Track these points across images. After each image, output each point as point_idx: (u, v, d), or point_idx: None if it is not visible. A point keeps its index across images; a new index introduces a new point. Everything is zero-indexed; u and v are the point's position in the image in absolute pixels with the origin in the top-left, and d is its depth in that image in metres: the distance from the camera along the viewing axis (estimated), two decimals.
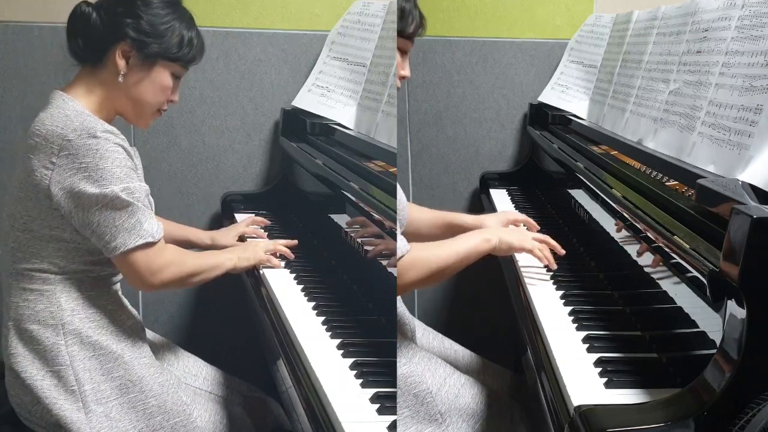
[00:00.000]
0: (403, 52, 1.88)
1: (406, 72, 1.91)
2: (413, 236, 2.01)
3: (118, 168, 1.61)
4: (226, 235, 2.20)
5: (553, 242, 1.85)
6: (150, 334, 1.98)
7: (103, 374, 1.66)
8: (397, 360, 1.76)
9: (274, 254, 1.96)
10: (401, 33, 1.85)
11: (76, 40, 1.71)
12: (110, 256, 1.64)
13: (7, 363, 1.68)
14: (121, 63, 1.68)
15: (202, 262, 1.79)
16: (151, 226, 1.64)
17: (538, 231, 2.10)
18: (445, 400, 1.75)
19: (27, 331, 1.65)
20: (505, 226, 2.08)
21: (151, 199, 1.72)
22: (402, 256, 1.64)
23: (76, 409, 1.62)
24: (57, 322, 1.65)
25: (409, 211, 2.05)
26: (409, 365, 1.75)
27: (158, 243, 1.66)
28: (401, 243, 1.66)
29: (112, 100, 1.72)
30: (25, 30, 2.37)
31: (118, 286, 1.78)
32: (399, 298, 1.97)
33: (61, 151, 1.60)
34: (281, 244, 2.00)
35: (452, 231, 2.15)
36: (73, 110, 1.65)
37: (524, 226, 2.12)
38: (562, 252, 1.84)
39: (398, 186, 1.89)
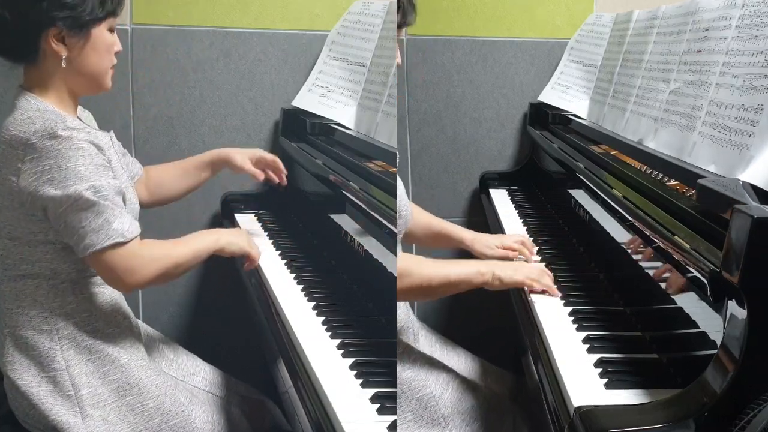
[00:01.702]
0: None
1: (398, 59, 1.90)
2: (406, 236, 2.00)
3: (82, 166, 1.55)
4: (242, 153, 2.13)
5: (549, 283, 1.74)
6: (150, 330, 1.97)
7: (99, 378, 1.65)
8: (401, 364, 1.75)
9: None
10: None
11: (1, 44, 1.63)
12: (81, 257, 1.59)
13: (4, 370, 1.67)
14: (58, 48, 1.61)
15: (185, 251, 1.70)
16: (122, 224, 1.57)
17: (539, 250, 2.09)
18: (447, 404, 1.75)
19: (22, 338, 1.64)
20: (500, 248, 2.03)
21: (129, 195, 1.67)
22: None
23: (72, 414, 1.61)
24: (51, 327, 1.64)
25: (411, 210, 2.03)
26: (413, 369, 1.75)
27: (131, 242, 1.58)
28: None
29: (66, 85, 1.65)
30: None
31: None
32: (405, 303, 1.97)
33: (25, 156, 1.55)
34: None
35: (446, 241, 2.12)
36: (36, 110, 1.59)
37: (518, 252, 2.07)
38: (557, 294, 1.73)
39: (401, 185, 1.88)
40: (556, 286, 1.73)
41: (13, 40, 1.61)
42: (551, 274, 1.77)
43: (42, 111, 1.59)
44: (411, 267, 1.68)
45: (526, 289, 1.74)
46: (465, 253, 2.13)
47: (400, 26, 1.86)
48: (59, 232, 1.59)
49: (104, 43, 1.66)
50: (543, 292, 1.71)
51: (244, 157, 2.11)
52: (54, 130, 1.55)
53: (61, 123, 1.57)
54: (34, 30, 1.60)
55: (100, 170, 1.57)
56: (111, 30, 1.67)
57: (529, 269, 1.76)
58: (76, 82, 1.66)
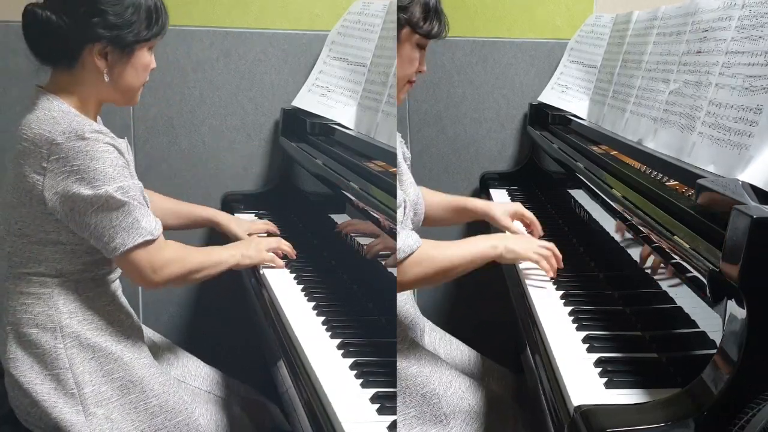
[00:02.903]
0: (422, 48, 1.87)
1: (424, 67, 1.90)
2: (424, 219, 2.02)
3: (111, 167, 1.59)
4: (240, 224, 2.18)
5: (557, 253, 1.82)
6: (150, 332, 1.98)
7: (103, 376, 1.65)
8: (407, 359, 1.76)
9: (277, 253, 1.96)
10: (428, 35, 1.83)
11: (40, 44, 1.65)
12: (111, 256, 1.63)
13: (6, 367, 1.67)
14: (101, 63, 1.64)
15: (205, 259, 1.77)
16: (149, 223, 1.63)
17: (541, 237, 2.11)
18: (450, 402, 1.75)
19: (25, 335, 1.65)
20: (511, 218, 2.11)
21: (147, 196, 1.70)
22: (412, 253, 1.64)
23: (75, 412, 1.62)
24: (55, 325, 1.64)
25: (423, 194, 2.05)
26: (418, 366, 1.75)
27: (158, 240, 1.65)
28: (413, 238, 1.66)
29: (96, 95, 1.68)
30: None
31: (116, 285, 1.77)
32: (412, 299, 1.98)
33: (50, 156, 1.57)
34: (285, 244, 1.99)
35: (462, 214, 2.21)
36: (59, 111, 1.61)
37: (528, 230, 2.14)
38: (561, 266, 1.82)
39: (415, 183, 1.90)
40: (554, 277, 1.80)
41: (55, 46, 1.64)
42: (559, 255, 1.82)
43: (66, 113, 1.62)
44: (431, 251, 1.70)
45: (524, 281, 1.79)
46: (473, 230, 2.17)
47: (435, 37, 1.86)
48: (83, 231, 1.61)
49: (143, 63, 1.69)
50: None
51: (240, 229, 2.16)
52: (81, 132, 1.58)
53: (87, 126, 1.60)
54: (79, 42, 1.63)
55: (124, 171, 1.62)
56: (150, 49, 1.71)
57: (540, 245, 1.83)
58: (108, 93, 1.70)
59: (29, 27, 1.64)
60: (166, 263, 1.66)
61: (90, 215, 1.59)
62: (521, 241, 1.82)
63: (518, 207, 2.16)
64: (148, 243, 1.63)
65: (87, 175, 1.57)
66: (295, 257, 1.99)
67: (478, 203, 2.18)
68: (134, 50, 1.67)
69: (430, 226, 2.15)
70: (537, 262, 1.79)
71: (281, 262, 1.96)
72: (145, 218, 1.62)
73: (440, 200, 2.20)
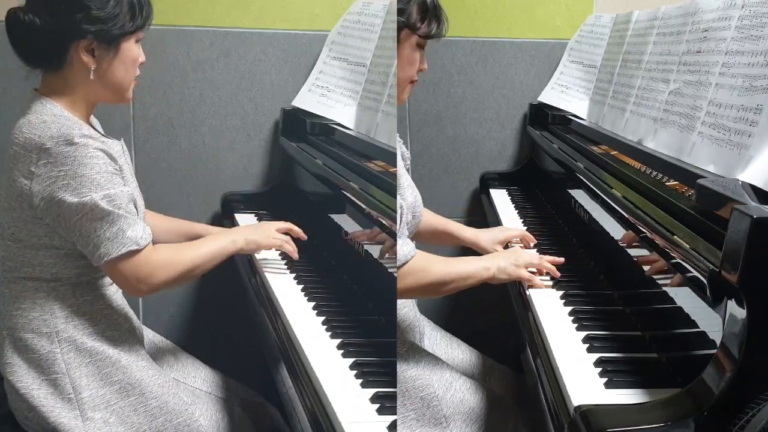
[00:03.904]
0: (422, 48, 1.87)
1: (425, 65, 1.89)
2: (415, 234, 2.02)
3: (98, 174, 1.56)
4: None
5: (549, 266, 1.83)
6: (150, 333, 1.97)
7: (101, 380, 1.65)
8: (406, 362, 1.76)
9: (285, 238, 1.91)
10: (427, 35, 1.83)
11: (26, 48, 1.63)
12: (96, 264, 1.61)
13: (3, 372, 1.67)
14: (88, 60, 1.62)
15: (200, 253, 1.72)
16: (135, 232, 1.59)
17: (535, 245, 2.12)
18: (450, 404, 1.75)
19: (22, 340, 1.64)
20: (501, 244, 2.10)
21: (140, 203, 1.68)
22: (406, 262, 1.64)
23: (73, 417, 1.61)
24: (51, 330, 1.63)
25: None
26: (417, 368, 1.75)
27: (144, 249, 1.60)
28: (408, 247, 1.66)
29: (87, 95, 1.67)
30: None
31: (114, 287, 1.75)
32: (412, 302, 1.98)
33: (39, 160, 1.56)
34: (295, 228, 1.93)
35: (448, 239, 2.19)
36: (51, 114, 1.60)
37: (519, 242, 2.13)
38: (557, 274, 1.82)
39: (414, 186, 1.90)
40: (553, 280, 1.81)
41: (41, 47, 1.62)
42: (549, 266, 1.83)
43: (57, 116, 1.60)
44: (425, 264, 1.70)
45: (525, 284, 1.79)
46: (467, 249, 2.16)
47: (434, 37, 1.85)
48: (71, 236, 1.60)
49: (131, 57, 1.68)
50: (546, 273, 1.82)
51: None
52: (71, 137, 1.56)
53: (77, 130, 1.58)
54: (65, 40, 1.61)
55: (113, 178, 1.59)
56: (137, 42, 1.69)
57: (530, 258, 1.83)
58: (99, 92, 1.68)
59: (13, 31, 1.63)
60: (152, 271, 1.62)
61: (75, 223, 1.57)
62: (511, 260, 1.80)
63: (506, 233, 2.15)
64: (133, 253, 1.59)
65: (73, 182, 1.55)
66: (296, 256, 1.94)
67: (465, 232, 2.15)
68: (120, 43, 1.64)
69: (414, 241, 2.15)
70: (531, 280, 1.78)
71: (291, 248, 1.91)
72: (132, 228, 1.58)
73: (431, 221, 2.16)
